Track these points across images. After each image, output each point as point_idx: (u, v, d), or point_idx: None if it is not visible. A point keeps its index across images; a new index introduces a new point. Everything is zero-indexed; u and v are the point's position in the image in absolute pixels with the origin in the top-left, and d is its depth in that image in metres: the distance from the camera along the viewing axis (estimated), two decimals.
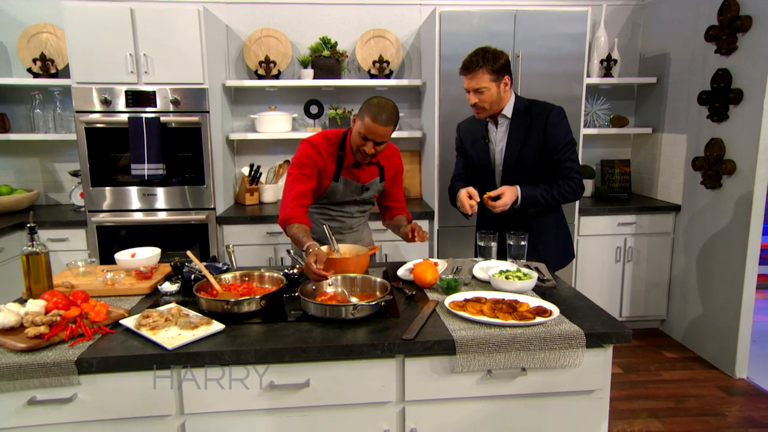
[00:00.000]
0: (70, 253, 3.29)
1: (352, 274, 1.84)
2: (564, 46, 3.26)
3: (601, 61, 3.76)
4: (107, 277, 1.89)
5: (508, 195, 2.13)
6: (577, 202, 3.43)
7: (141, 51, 3.12)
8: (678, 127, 3.58)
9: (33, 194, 3.69)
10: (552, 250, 2.34)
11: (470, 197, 2.16)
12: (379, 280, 1.79)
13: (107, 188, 3.26)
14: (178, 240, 3.31)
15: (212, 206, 3.33)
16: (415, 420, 1.55)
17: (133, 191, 3.26)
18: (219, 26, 3.54)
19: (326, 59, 3.60)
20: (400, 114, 3.80)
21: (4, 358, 1.38)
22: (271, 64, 3.61)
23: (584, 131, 3.60)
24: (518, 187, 2.17)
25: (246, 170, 3.73)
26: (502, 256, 2.23)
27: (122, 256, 2.06)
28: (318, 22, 3.78)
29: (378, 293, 1.77)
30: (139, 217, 3.29)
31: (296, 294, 1.72)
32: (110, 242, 3.28)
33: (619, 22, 3.95)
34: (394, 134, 3.65)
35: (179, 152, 3.25)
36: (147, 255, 2.07)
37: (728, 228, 3.12)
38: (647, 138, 3.93)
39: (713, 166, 3.19)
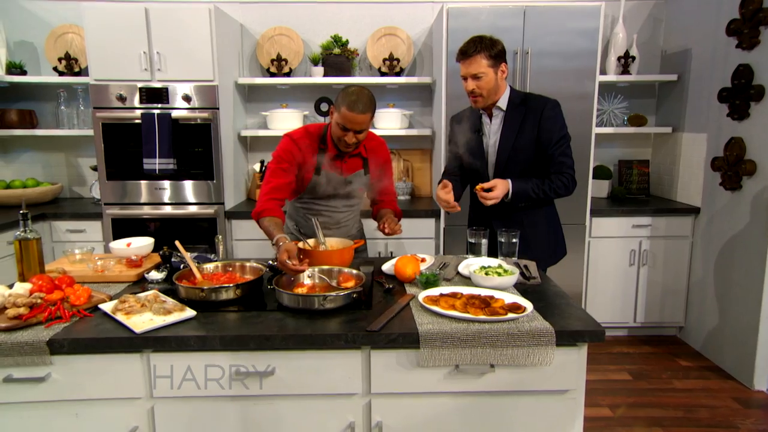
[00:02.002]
0: (86, 243, 3.42)
1: (329, 266, 1.84)
2: (576, 42, 3.17)
3: (619, 58, 3.64)
4: (98, 264, 1.95)
5: (500, 187, 2.09)
6: (589, 203, 3.33)
7: (154, 49, 3.21)
8: (698, 126, 3.44)
9: (57, 187, 3.86)
10: (542, 246, 2.29)
11: (447, 188, 2.17)
12: (355, 272, 1.79)
13: (121, 182, 3.37)
14: (188, 233, 3.38)
15: (221, 201, 3.39)
16: (382, 413, 1.53)
17: (146, 185, 3.36)
18: (232, 25, 3.61)
19: (336, 57, 3.62)
20: (411, 112, 3.80)
21: None
22: (283, 62, 3.66)
23: (597, 130, 3.50)
24: (509, 180, 2.13)
25: (257, 166, 3.79)
26: (494, 253, 2.19)
27: (117, 244, 2.13)
28: (330, 20, 3.80)
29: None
30: (150, 210, 3.38)
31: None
32: (123, 234, 3.37)
33: (640, 17, 3.82)
34: (405, 132, 3.69)
35: (190, 147, 3.33)
36: (140, 244, 2.12)
37: (748, 232, 2.97)
38: (667, 138, 3.78)
39: (733, 166, 3.05)
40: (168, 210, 3.39)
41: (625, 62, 3.63)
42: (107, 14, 3.19)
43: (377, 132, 3.62)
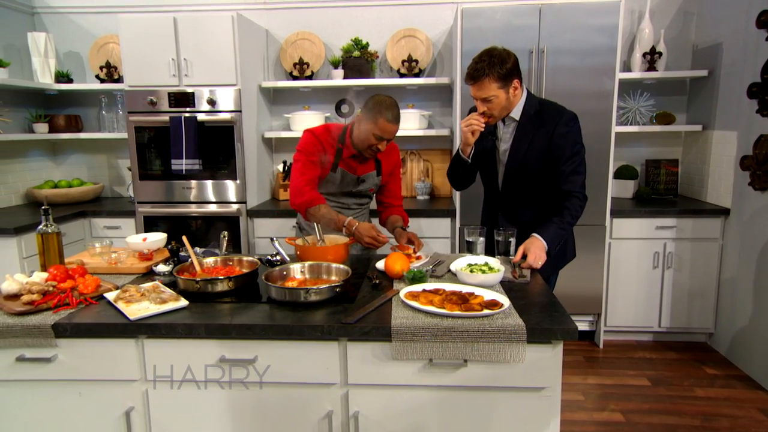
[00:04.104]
0: (121, 239, 3.64)
1: (320, 262, 1.91)
2: (594, 39, 3.11)
3: (644, 55, 3.53)
4: (112, 257, 2.10)
5: (533, 248, 1.98)
6: (609, 203, 3.25)
7: (182, 55, 3.39)
8: (729, 124, 3.29)
9: (98, 187, 4.12)
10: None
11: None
12: (343, 267, 1.85)
13: (152, 182, 3.57)
14: (212, 230, 3.54)
15: (244, 200, 3.54)
16: (359, 403, 1.59)
17: (174, 185, 3.55)
18: (256, 31, 3.75)
19: (356, 59, 3.70)
20: (430, 112, 3.83)
21: None
22: (305, 66, 3.78)
23: (619, 129, 3.41)
24: (537, 235, 2.03)
25: (281, 167, 3.92)
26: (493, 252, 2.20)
27: (133, 239, 2.27)
28: (352, 23, 3.89)
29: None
30: (177, 208, 3.57)
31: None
32: (153, 230, 3.57)
33: (669, 12, 3.69)
34: (423, 132, 3.73)
35: (215, 149, 3.48)
36: (153, 239, 2.26)
37: None
38: (698, 136, 3.63)
39: (762, 165, 2.90)
40: (194, 208, 3.56)
41: (651, 58, 3.52)
42: (140, 24, 3.40)
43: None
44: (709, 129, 3.49)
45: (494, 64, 2.00)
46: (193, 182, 3.54)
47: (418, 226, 3.41)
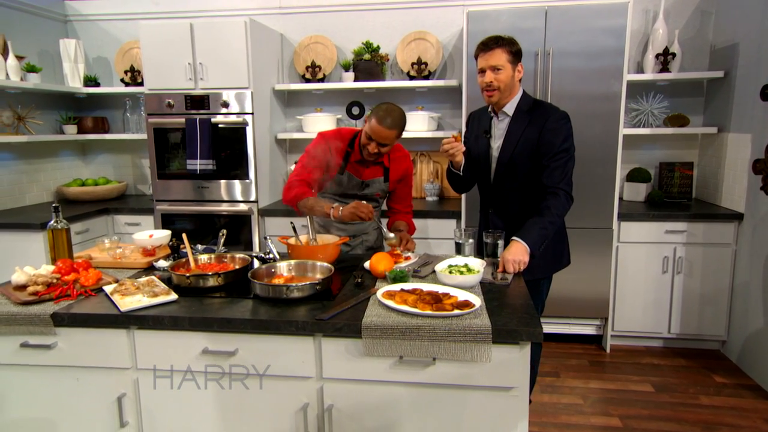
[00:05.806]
0: None
1: (306, 260, 1.98)
2: (601, 40, 3.08)
3: (657, 56, 3.46)
4: (117, 252, 2.22)
5: (511, 255, 1.98)
6: (616, 206, 3.21)
7: (198, 60, 3.53)
8: (743, 126, 3.20)
9: (122, 185, 4.32)
10: (542, 254, 2.25)
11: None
12: (326, 265, 1.91)
13: (170, 181, 3.72)
14: (225, 228, 3.65)
15: (256, 199, 3.65)
16: (333, 397, 1.65)
17: (189, 184, 3.69)
18: (270, 35, 3.86)
19: (366, 62, 3.76)
20: (438, 114, 3.86)
21: (4, 308, 1.72)
22: (317, 69, 3.86)
23: (625, 131, 3.36)
24: (519, 240, 2.03)
25: (293, 167, 4.01)
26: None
27: (139, 236, 2.40)
28: (364, 27, 3.95)
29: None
30: (193, 206, 3.71)
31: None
32: (171, 227, 3.73)
33: (685, 12, 3.60)
34: (432, 134, 3.75)
35: (228, 149, 3.61)
36: (158, 236, 2.38)
37: None
38: (713, 138, 3.54)
39: None
40: (208, 206, 3.70)
41: (665, 59, 3.45)
42: (159, 30, 3.55)
43: (406, 134, 3.73)
44: (725, 131, 3.40)
45: (506, 41, 2.13)
46: (207, 182, 3.67)
47: (424, 227, 3.45)
